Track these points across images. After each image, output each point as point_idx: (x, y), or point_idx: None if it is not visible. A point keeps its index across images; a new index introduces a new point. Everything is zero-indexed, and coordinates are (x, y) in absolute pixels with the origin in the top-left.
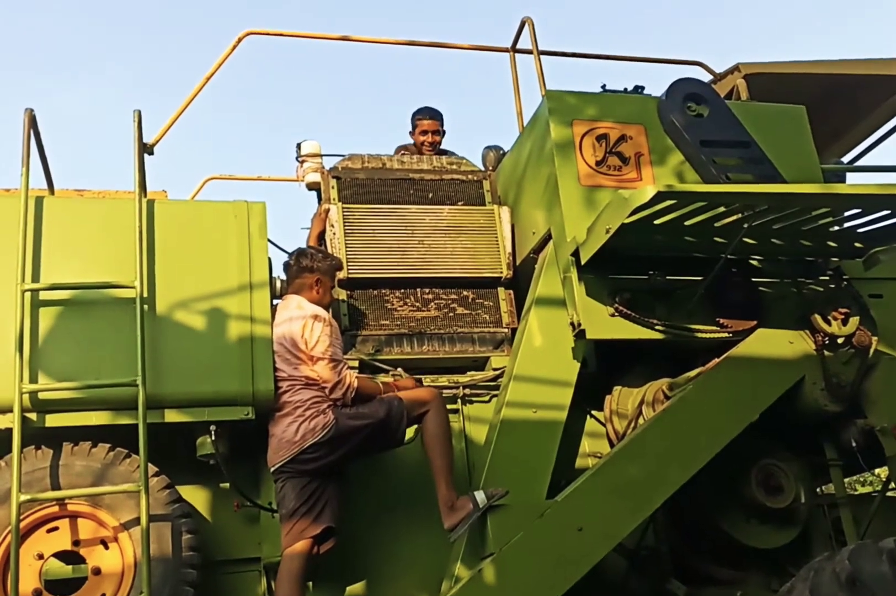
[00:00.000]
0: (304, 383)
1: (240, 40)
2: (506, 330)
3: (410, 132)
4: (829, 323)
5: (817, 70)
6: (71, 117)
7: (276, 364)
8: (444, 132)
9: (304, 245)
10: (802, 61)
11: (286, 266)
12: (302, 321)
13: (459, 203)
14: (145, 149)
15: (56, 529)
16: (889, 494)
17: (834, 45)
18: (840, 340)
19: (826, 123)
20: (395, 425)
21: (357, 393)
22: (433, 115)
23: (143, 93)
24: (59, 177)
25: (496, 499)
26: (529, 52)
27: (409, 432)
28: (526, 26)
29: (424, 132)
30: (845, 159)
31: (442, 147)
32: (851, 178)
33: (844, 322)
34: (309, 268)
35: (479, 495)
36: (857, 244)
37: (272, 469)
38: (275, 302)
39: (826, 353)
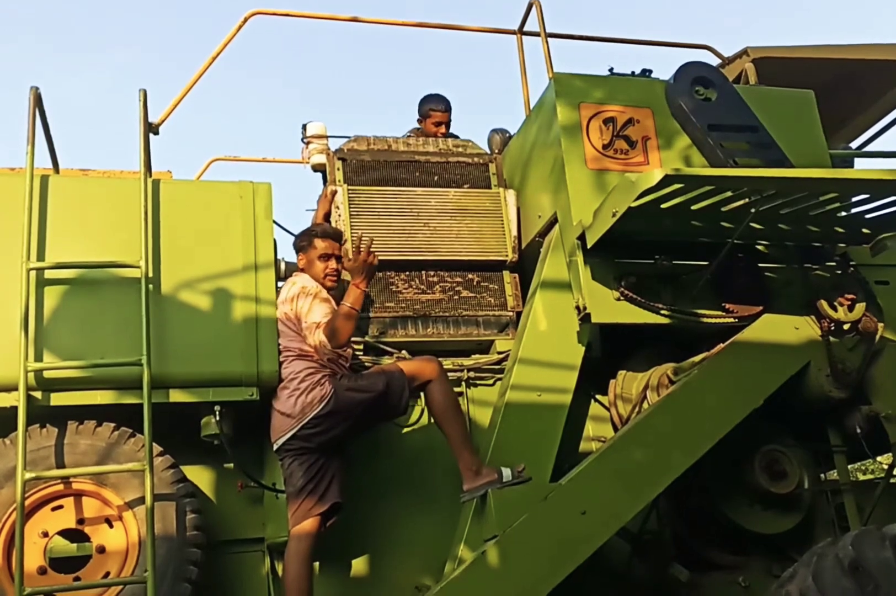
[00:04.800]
0: (296, 354)
1: (246, 20)
2: (511, 313)
3: (419, 120)
4: (835, 309)
5: (826, 54)
6: (74, 102)
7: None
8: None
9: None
10: (811, 45)
11: None
12: (294, 297)
13: (465, 186)
14: (151, 128)
15: (61, 507)
16: (893, 480)
17: (839, 31)
18: (846, 326)
19: (835, 108)
20: (395, 397)
21: (333, 325)
22: (447, 106)
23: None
24: (64, 159)
25: (518, 482)
26: (537, 34)
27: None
28: (533, 8)
29: (438, 123)
30: (854, 145)
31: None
32: (860, 163)
33: (850, 308)
34: (297, 247)
35: (506, 471)
36: (864, 230)
37: (276, 447)
38: (279, 284)
39: (832, 339)
